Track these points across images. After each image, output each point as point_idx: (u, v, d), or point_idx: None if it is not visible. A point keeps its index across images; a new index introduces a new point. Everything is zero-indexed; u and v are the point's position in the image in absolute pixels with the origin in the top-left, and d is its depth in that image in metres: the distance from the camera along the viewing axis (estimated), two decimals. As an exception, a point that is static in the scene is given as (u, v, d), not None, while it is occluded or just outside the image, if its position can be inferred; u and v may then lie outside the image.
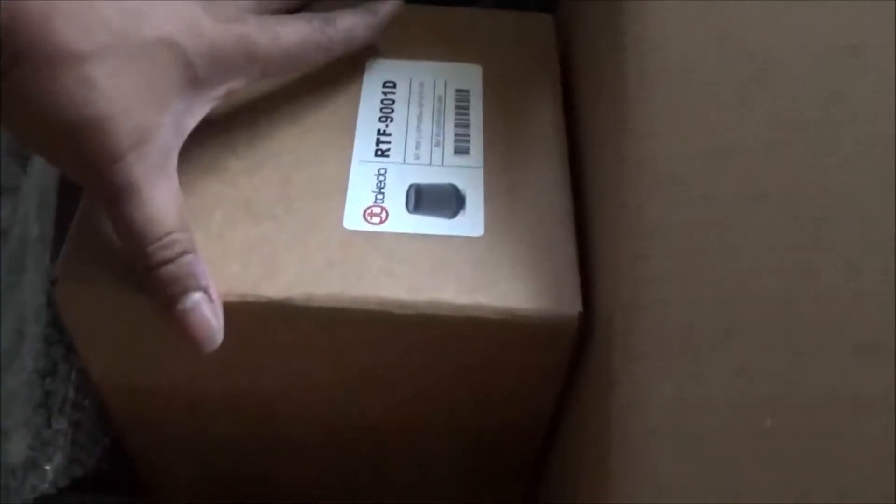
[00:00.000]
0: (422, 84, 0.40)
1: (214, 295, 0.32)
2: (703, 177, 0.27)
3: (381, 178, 0.36)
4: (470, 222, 0.35)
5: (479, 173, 0.36)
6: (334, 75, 0.39)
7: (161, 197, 0.30)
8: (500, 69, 0.40)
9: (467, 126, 0.38)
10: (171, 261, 0.30)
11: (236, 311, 0.32)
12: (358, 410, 0.38)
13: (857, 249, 0.26)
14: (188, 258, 0.31)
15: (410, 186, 0.36)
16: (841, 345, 0.25)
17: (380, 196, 0.35)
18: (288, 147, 0.37)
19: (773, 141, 0.27)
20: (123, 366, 0.36)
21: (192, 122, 0.32)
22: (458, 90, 0.39)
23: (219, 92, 0.33)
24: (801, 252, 0.26)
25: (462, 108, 0.39)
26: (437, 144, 0.37)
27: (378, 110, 0.38)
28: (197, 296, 0.31)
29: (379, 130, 0.38)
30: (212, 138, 0.36)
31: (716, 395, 0.25)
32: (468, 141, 0.37)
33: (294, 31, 0.34)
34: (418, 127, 0.38)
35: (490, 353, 0.34)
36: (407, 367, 0.35)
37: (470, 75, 0.40)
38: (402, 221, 0.35)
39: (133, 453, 0.42)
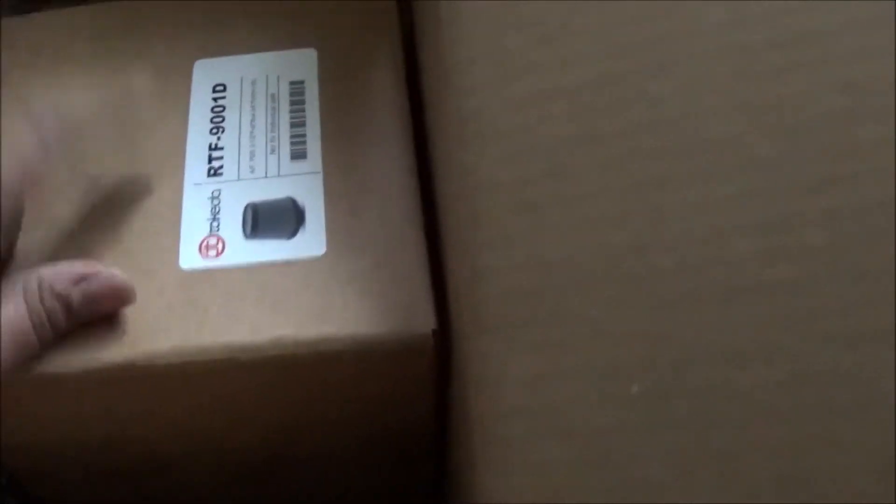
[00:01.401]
0: (253, 82, 0.37)
1: None
2: (528, 124, 0.26)
3: (216, 201, 0.34)
4: (310, 241, 0.33)
5: (319, 180, 0.34)
6: (161, 82, 0.37)
7: None
8: (337, 52, 0.38)
9: (303, 125, 0.36)
10: None
11: (80, 381, 0.31)
12: (243, 445, 0.37)
13: (706, 181, 0.24)
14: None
15: (246, 207, 0.34)
16: (705, 294, 0.23)
17: (215, 224, 0.33)
18: (116, 179, 0.34)
19: (602, 73, 0.25)
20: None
21: None
22: (291, 83, 0.37)
23: None
24: (646, 191, 0.25)
25: (297, 103, 0.36)
26: (273, 151, 0.35)
27: (209, 121, 0.36)
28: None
29: (210, 145, 0.35)
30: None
31: (574, 364, 0.24)
32: (304, 143, 0.35)
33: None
34: (252, 134, 0.36)
35: (351, 378, 0.33)
36: (273, 402, 0.34)
37: (304, 63, 0.37)
38: (240, 250, 0.33)
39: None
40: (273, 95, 0.36)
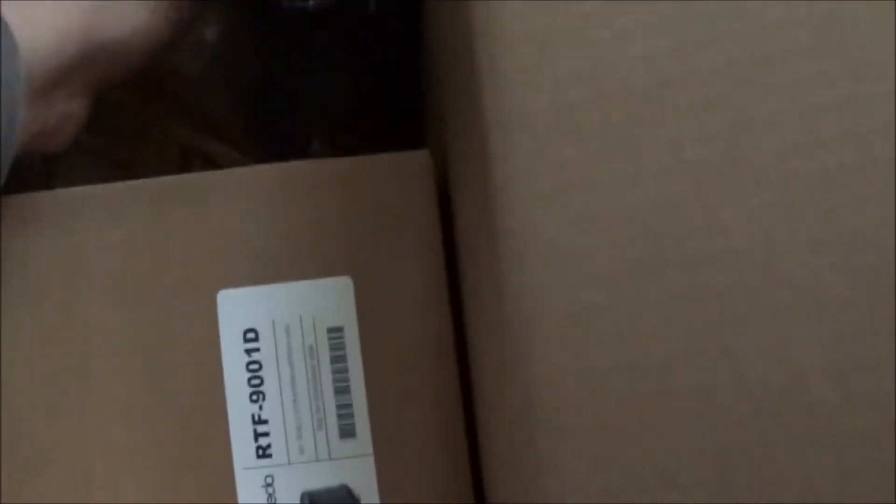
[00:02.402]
0: (287, 328, 0.35)
1: None
2: (588, 247, 0.24)
3: (270, 489, 0.34)
4: (369, 536, 0.34)
5: (371, 464, 0.34)
6: (183, 317, 0.35)
7: None
8: (374, 278, 0.35)
9: (348, 391, 0.34)
10: None
11: None
12: None
13: (780, 321, 0.23)
14: None
15: (303, 495, 0.34)
16: (781, 441, 0.23)
17: (273, 515, 0.34)
18: (161, 454, 0.34)
19: (667, 194, 0.24)
20: None
21: None
22: (329, 330, 0.35)
23: None
24: (715, 330, 0.23)
25: (338, 359, 0.34)
26: (320, 427, 0.34)
27: (246, 383, 0.34)
28: None
29: (254, 417, 0.34)
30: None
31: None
32: (352, 416, 0.34)
33: None
34: (295, 402, 0.34)
35: None
36: None
37: (340, 299, 0.35)
38: (302, 548, 0.34)
39: None
40: (311, 348, 0.34)
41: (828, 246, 0.23)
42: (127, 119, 0.51)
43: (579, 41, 0.24)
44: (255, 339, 0.34)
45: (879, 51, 0.23)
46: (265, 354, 0.34)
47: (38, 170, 0.48)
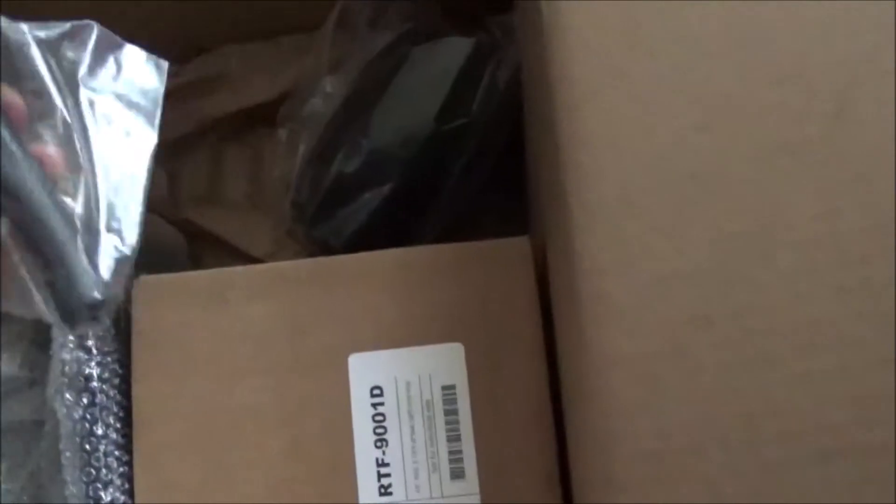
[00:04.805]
0: (408, 384, 0.41)
1: None
2: (649, 304, 0.30)
3: (391, 523, 0.39)
4: (477, 572, 0.39)
5: (477, 503, 0.39)
6: (318, 377, 0.41)
7: None
8: (481, 344, 0.41)
9: (459, 440, 0.40)
10: None
11: None
12: None
13: (806, 357, 0.29)
14: None
15: (418, 531, 0.39)
16: (804, 457, 0.28)
17: (393, 549, 0.39)
18: (298, 495, 0.40)
19: (712, 259, 0.30)
20: None
21: None
22: (444, 387, 0.41)
23: None
24: (753, 367, 0.29)
25: (451, 412, 0.40)
26: (434, 469, 0.40)
27: (372, 431, 0.40)
28: None
29: (378, 460, 0.40)
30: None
31: None
32: (461, 460, 0.40)
33: None
34: (413, 449, 0.40)
35: None
36: None
37: (453, 362, 0.41)
38: (419, 579, 0.39)
39: None
40: (428, 402, 0.40)
41: (845, 295, 0.28)
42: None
43: (642, 139, 0.31)
44: (381, 395, 0.41)
45: (879, 136, 0.28)
46: (389, 408, 0.41)
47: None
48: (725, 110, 0.30)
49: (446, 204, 0.51)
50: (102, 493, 0.41)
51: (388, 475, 0.40)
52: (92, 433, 0.42)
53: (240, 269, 0.43)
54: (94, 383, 0.42)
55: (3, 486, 0.53)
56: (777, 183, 0.29)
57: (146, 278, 0.42)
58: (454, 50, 0.50)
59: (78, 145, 0.38)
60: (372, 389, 0.41)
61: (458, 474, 0.40)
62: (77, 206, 0.37)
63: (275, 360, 0.41)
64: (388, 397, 0.41)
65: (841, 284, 0.28)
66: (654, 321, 0.30)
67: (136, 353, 0.42)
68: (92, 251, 0.37)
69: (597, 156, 0.31)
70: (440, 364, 0.41)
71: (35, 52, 0.37)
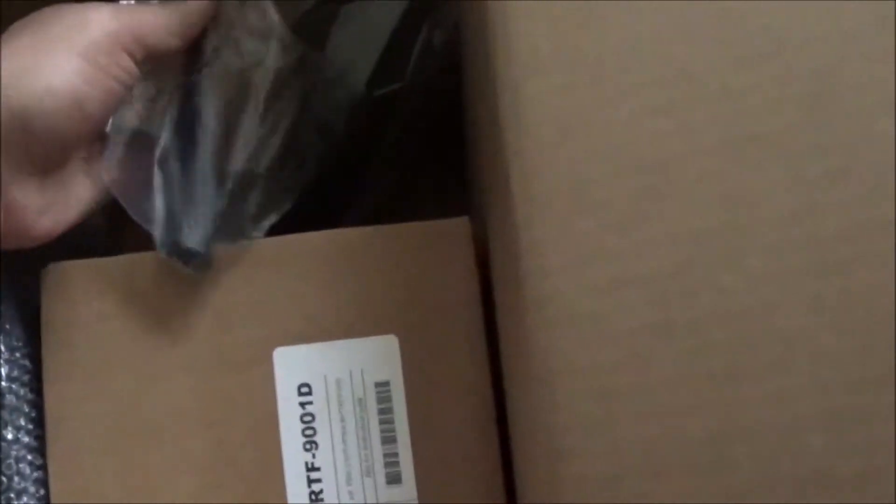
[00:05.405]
0: (338, 382, 0.38)
1: None
2: (604, 311, 0.27)
3: (321, 532, 0.36)
4: (414, 583, 0.36)
5: (416, 510, 0.37)
6: (242, 371, 0.38)
7: None
8: (417, 336, 0.38)
9: (394, 441, 0.37)
10: None
11: None
12: None
13: (777, 373, 0.26)
14: None
15: (351, 540, 0.36)
16: (777, 485, 0.25)
17: (322, 559, 0.36)
18: (222, 499, 0.37)
19: (674, 262, 0.27)
20: None
21: None
22: (377, 384, 0.37)
23: None
24: (719, 382, 0.26)
25: (385, 412, 0.37)
26: (368, 473, 0.37)
27: (301, 433, 0.37)
28: None
29: (307, 464, 0.37)
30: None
31: None
32: (398, 464, 0.37)
33: None
34: (345, 451, 0.37)
35: None
36: None
37: (387, 356, 0.38)
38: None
39: None
40: (360, 400, 0.37)
41: (821, 305, 0.25)
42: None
43: (594, 123, 0.27)
44: (309, 393, 0.37)
45: (863, 125, 0.25)
46: (318, 407, 0.37)
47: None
48: (689, 92, 0.26)
49: (377, 178, 0.47)
50: (16, 503, 0.37)
51: (318, 480, 0.37)
52: (1, 438, 0.38)
53: (155, 253, 0.39)
54: (3, 383, 0.38)
55: None
56: (747, 176, 0.26)
57: (55, 265, 0.38)
58: (387, 8, 0.45)
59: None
60: (300, 387, 0.37)
61: (394, 478, 0.37)
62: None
63: (196, 355, 0.38)
64: (317, 396, 0.37)
65: (817, 293, 0.25)
66: (608, 328, 0.27)
67: (46, 350, 0.38)
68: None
69: (544, 141, 0.28)
70: (373, 358, 0.38)
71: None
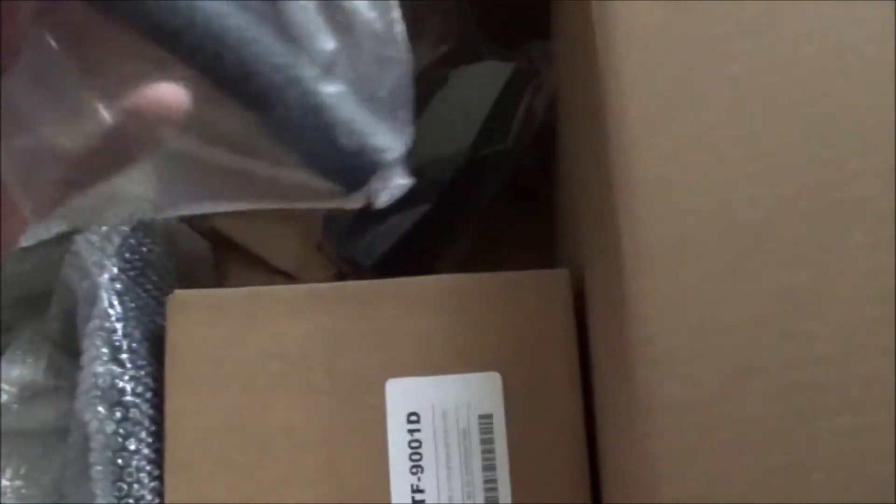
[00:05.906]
0: (444, 413, 0.41)
1: None
2: (702, 352, 0.30)
3: (424, 550, 0.40)
4: None
5: (512, 534, 0.40)
6: (354, 400, 0.41)
7: None
8: (518, 374, 0.41)
9: (494, 469, 0.40)
10: None
11: None
12: None
13: (856, 411, 0.29)
14: None
15: (451, 559, 0.40)
16: None
17: (426, 575, 0.40)
18: None
19: (765, 310, 0.30)
20: None
21: None
22: (480, 416, 0.41)
23: None
24: (804, 418, 0.29)
25: (487, 441, 0.41)
26: (469, 497, 0.40)
27: (408, 458, 0.41)
28: None
29: (413, 486, 0.41)
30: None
31: None
32: (496, 489, 0.40)
33: None
34: (448, 477, 0.40)
35: None
36: None
37: (490, 391, 0.41)
38: None
39: None
40: (464, 431, 0.41)
41: (894, 352, 0.29)
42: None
43: (698, 185, 0.31)
44: (417, 422, 0.41)
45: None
46: (425, 435, 0.41)
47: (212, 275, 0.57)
48: (783, 162, 0.30)
49: (474, 228, 0.51)
50: (133, 509, 0.41)
51: (422, 501, 0.40)
52: (124, 448, 0.42)
53: (276, 287, 0.43)
54: (128, 397, 0.42)
55: (22, 490, 0.53)
56: (832, 238, 0.29)
57: (181, 293, 0.43)
58: (493, 74, 0.50)
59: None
60: (409, 415, 0.41)
61: (492, 502, 0.40)
62: None
63: (310, 379, 0.42)
64: (425, 424, 0.41)
65: (890, 341, 0.29)
66: (703, 369, 0.30)
67: (169, 368, 0.42)
68: None
69: (652, 200, 0.31)
70: (477, 393, 0.41)
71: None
